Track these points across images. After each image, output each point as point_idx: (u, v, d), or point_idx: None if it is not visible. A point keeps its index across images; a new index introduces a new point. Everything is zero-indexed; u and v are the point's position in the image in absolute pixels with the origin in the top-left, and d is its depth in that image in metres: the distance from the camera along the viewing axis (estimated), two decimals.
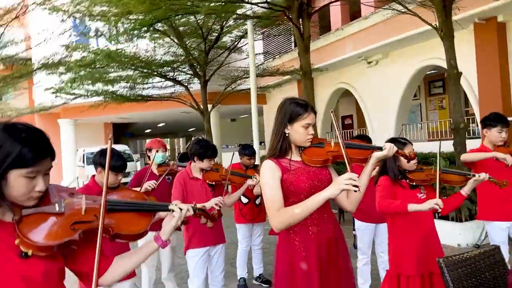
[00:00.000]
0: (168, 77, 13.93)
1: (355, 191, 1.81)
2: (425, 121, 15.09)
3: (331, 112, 2.38)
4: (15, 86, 11.87)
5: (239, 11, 10.51)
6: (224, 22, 12.88)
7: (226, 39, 14.67)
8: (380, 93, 13.39)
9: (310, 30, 9.45)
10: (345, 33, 13.38)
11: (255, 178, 3.58)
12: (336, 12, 14.59)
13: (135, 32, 10.82)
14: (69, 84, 12.14)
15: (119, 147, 16.72)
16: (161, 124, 24.50)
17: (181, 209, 1.54)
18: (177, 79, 14.19)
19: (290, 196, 2.01)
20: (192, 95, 13.88)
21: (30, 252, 1.27)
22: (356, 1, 12.68)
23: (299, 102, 2.10)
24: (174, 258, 4.24)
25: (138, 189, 3.66)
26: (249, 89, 16.66)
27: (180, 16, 10.57)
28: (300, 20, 9.29)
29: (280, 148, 2.07)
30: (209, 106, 14.41)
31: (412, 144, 2.88)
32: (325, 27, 15.44)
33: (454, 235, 5.79)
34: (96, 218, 1.35)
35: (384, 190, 2.76)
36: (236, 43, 14.86)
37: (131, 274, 2.94)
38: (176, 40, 13.22)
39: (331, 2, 11.09)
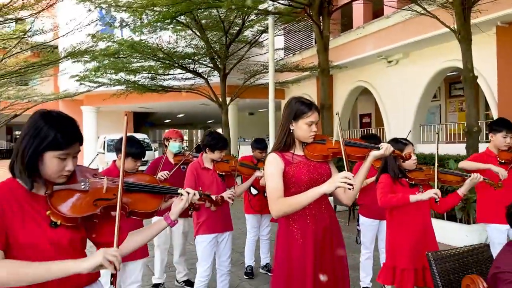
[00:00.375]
0: (188, 69, 14.19)
1: (349, 189, 1.98)
2: (444, 123, 15.00)
3: (336, 114, 2.55)
4: (41, 72, 12.28)
5: (260, 7, 10.65)
6: (246, 17, 13.05)
7: (248, 33, 14.84)
8: (398, 92, 13.37)
9: (330, 28, 9.55)
10: (366, 32, 13.38)
11: (263, 170, 3.76)
12: (358, 10, 14.58)
13: (159, 24, 11.06)
14: (93, 72, 12.52)
15: (139, 136, 17.10)
16: (180, 115, 24.87)
17: (188, 193, 1.75)
18: (197, 71, 14.44)
19: (291, 187, 2.19)
20: (212, 88, 14.12)
21: (58, 222, 1.48)
22: (379, 0, 12.68)
23: (304, 102, 2.27)
24: (185, 244, 4.46)
25: None
26: (268, 83, 16.86)
27: (202, 9, 10.75)
28: (320, 17, 9.39)
29: (285, 143, 2.25)
30: (228, 99, 14.63)
31: (412, 145, 3.02)
32: (347, 25, 15.45)
33: (461, 237, 5.86)
34: (114, 196, 1.56)
35: (385, 187, 2.91)
36: (257, 37, 15.01)
37: (145, 254, 3.17)
38: (198, 33, 13.45)
39: (353, 0, 11.12)
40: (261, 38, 14.95)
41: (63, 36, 10.89)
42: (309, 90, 17.28)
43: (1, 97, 13.61)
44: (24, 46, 10.53)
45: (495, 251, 3.62)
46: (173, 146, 4.31)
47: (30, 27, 9.73)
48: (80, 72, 13.70)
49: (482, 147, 6.55)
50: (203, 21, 13.25)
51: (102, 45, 12.98)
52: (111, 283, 1.51)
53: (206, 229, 3.43)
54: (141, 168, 3.31)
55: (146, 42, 12.65)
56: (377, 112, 17.80)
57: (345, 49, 14.44)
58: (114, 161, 3.14)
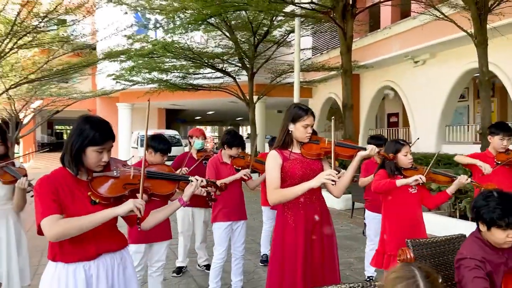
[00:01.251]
0: (218, 68, 14.71)
1: (333, 184, 2.37)
2: (471, 123, 14.88)
3: (332, 118, 2.92)
4: (80, 72, 13.10)
5: (287, 9, 11.00)
6: (274, 18, 13.44)
7: (276, 33, 15.22)
8: (425, 93, 13.41)
9: (353, 30, 9.79)
10: (392, 32, 13.49)
11: None
12: (386, 11, 14.67)
13: (188, 26, 11.60)
14: (128, 71, 13.22)
15: (170, 132, 17.82)
16: (210, 112, 25.54)
17: (197, 180, 2.17)
18: (226, 70, 14.94)
19: (287, 180, 2.58)
20: (240, 86, 14.59)
21: (97, 201, 1.94)
22: (407, 1, 12.75)
23: (301, 107, 2.65)
24: (206, 232, 4.92)
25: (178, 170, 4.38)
26: (288, 83, 17.19)
27: (231, 12, 11.19)
28: (344, 20, 9.65)
29: (284, 141, 2.65)
30: (255, 98, 15.07)
31: (409, 146, 3.34)
32: (375, 25, 15.56)
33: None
34: (139, 181, 2.00)
35: (380, 179, 3.26)
36: (285, 37, 15.36)
37: (168, 237, 3.64)
38: (227, 34, 13.95)
39: (377, 3, 11.29)
40: (289, 38, 15.29)
41: (101, 40, 11.63)
42: (336, 89, 17.47)
43: (44, 94, 14.58)
44: (67, 47, 11.30)
45: None
46: (197, 143, 4.76)
47: (73, 30, 10.48)
48: (116, 71, 14.47)
49: None
50: (232, 22, 13.73)
51: (137, 45, 13.69)
52: (138, 224, 1.94)
53: (222, 217, 3.87)
54: (167, 163, 3.78)
55: (178, 43, 13.23)
56: (404, 111, 17.77)
57: (372, 49, 14.58)
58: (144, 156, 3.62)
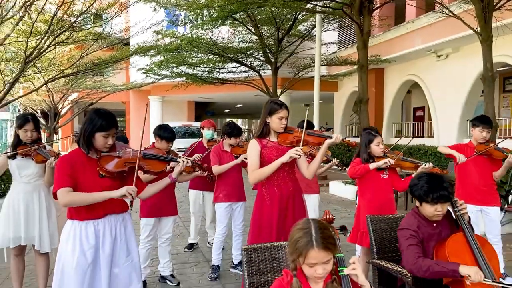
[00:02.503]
0: (243, 62, 15.22)
1: (298, 157, 2.88)
2: (496, 118, 14.75)
3: (307, 105, 3.39)
4: (114, 66, 13.93)
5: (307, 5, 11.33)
6: (297, 13, 13.79)
7: (301, 27, 15.56)
8: (447, 87, 13.46)
9: (369, 26, 10.07)
10: (415, 26, 13.56)
11: None
12: (411, 4, 14.71)
13: (214, 22, 12.14)
14: (157, 66, 13.96)
15: (196, 124, 18.55)
16: (238, 105, 26.14)
17: (183, 161, 2.71)
18: (251, 64, 15.43)
19: (264, 163, 3.07)
20: (264, 80, 15.06)
21: (104, 174, 2.51)
22: None
23: (276, 102, 3.14)
24: (215, 213, 5.47)
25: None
26: (321, 76, 17.48)
27: (254, 8, 11.62)
28: (361, 16, 9.93)
29: (262, 131, 3.14)
30: (279, 91, 15.50)
31: (381, 137, 3.76)
32: (400, 19, 15.62)
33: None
34: (136, 160, 2.55)
35: (355, 165, 3.71)
36: (310, 31, 15.66)
37: (174, 213, 4.21)
38: (252, 29, 14.41)
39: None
40: (313, 32, 15.57)
41: (134, 35, 12.36)
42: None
43: (79, 87, 15.57)
44: (102, 43, 12.11)
45: None
46: (207, 133, 5.32)
47: (106, 26, 11.26)
48: (147, 65, 15.26)
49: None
50: (258, 17, 14.16)
51: (166, 40, 14.38)
52: (130, 206, 2.51)
53: (223, 198, 4.42)
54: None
55: (204, 38, 13.81)
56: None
57: (395, 43, 14.69)
58: (153, 142, 4.20)
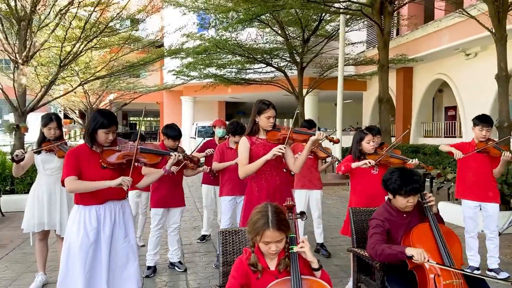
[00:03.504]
0: (269, 63, 15.52)
1: (280, 154, 3.14)
2: None
3: (297, 111, 3.65)
4: (146, 68, 14.58)
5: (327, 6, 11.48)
6: (323, 14, 13.94)
7: (328, 27, 15.68)
8: (476, 86, 13.23)
9: (390, 26, 10.12)
10: (443, 25, 13.41)
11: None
12: (440, 3, 14.53)
13: (239, 24, 12.52)
14: (186, 67, 14.50)
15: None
16: None
17: (175, 155, 3.05)
18: (278, 65, 15.70)
19: (253, 158, 3.35)
20: (290, 80, 15.30)
21: (105, 166, 2.88)
22: None
23: (265, 102, 3.41)
24: None
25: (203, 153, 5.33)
26: (349, 76, 17.53)
27: (277, 10, 11.90)
28: (381, 16, 10.00)
29: (252, 129, 3.43)
30: (305, 91, 15.69)
31: (372, 135, 3.96)
32: (430, 17, 15.45)
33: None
34: (134, 154, 2.91)
35: (344, 162, 3.93)
36: (336, 31, 15.75)
37: (182, 204, 4.56)
38: (277, 30, 14.68)
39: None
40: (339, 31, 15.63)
41: (165, 37, 12.94)
42: (389, 82, 17.52)
43: (114, 89, 16.36)
44: (136, 45, 12.78)
45: (466, 224, 4.44)
46: (218, 131, 5.67)
47: (135, 31, 11.88)
48: (177, 67, 15.85)
49: None
50: (286, 19, 14.41)
51: (195, 43, 14.90)
52: (126, 194, 2.87)
53: (227, 192, 4.74)
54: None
55: (230, 40, 14.21)
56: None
57: (423, 42, 14.56)
58: (163, 140, 4.57)
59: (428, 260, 2.50)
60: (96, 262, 2.83)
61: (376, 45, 17.37)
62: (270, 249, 2.08)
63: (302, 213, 2.47)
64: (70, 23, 8.39)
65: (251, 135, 3.44)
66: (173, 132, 4.32)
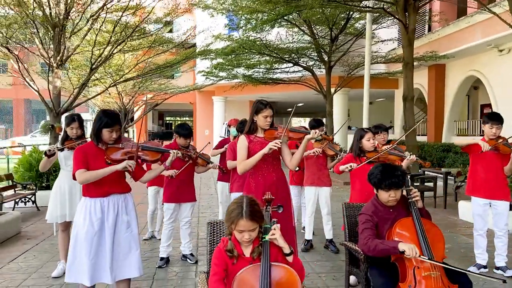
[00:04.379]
0: (297, 63, 15.58)
1: (276, 149, 3.29)
2: None
3: (294, 107, 3.78)
4: (176, 69, 15.03)
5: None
6: (351, 13, 13.88)
7: (357, 25, 15.57)
8: (510, 82, 12.79)
9: (415, 23, 9.97)
10: (475, 20, 13.02)
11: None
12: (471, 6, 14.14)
13: (264, 25, 12.68)
14: (215, 68, 14.83)
15: None
16: (300, 104, 26.43)
17: (174, 152, 3.27)
18: (306, 64, 15.74)
19: (251, 156, 3.53)
20: (318, 79, 15.30)
21: (109, 162, 3.14)
22: None
23: (262, 102, 3.57)
24: None
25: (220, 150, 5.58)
26: (379, 74, 17.32)
27: (301, 10, 11.96)
28: (406, 13, 9.88)
29: (250, 128, 3.60)
30: (333, 90, 15.65)
31: (372, 133, 4.04)
32: (463, 13, 15.04)
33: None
34: (135, 151, 3.15)
35: (343, 161, 4.04)
36: (365, 29, 15.60)
37: (193, 199, 4.79)
38: (305, 30, 14.73)
39: None
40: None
41: (189, 38, 13.31)
42: (421, 80, 17.22)
43: (146, 89, 16.96)
44: (167, 46, 13.24)
45: (474, 222, 4.44)
46: (233, 131, 5.86)
47: (171, 31, 12.31)
48: (207, 68, 16.23)
49: None
50: (313, 18, 14.44)
51: (222, 44, 15.20)
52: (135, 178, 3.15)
53: (237, 188, 4.92)
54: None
55: (257, 40, 14.39)
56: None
57: (455, 38, 14.19)
58: (175, 139, 4.81)
59: (419, 256, 2.59)
60: (100, 250, 3.09)
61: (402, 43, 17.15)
62: (243, 237, 2.25)
63: (280, 207, 2.62)
64: (99, 28, 8.84)
65: (249, 134, 3.61)
66: (184, 130, 4.57)
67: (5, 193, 7.99)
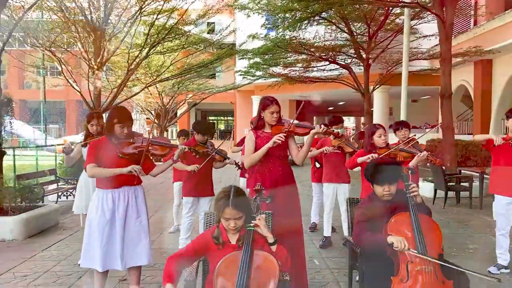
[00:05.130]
0: (335, 61, 15.43)
1: (280, 142, 3.36)
2: None
3: (302, 103, 3.84)
4: (211, 69, 15.36)
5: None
6: (391, 8, 13.57)
7: (398, 20, 15.19)
8: None
9: (453, 18, 9.63)
10: None
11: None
12: None
13: (300, 23, 12.67)
14: (251, 67, 15.00)
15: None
16: (341, 103, 26.10)
17: (181, 147, 3.42)
18: (344, 62, 15.56)
19: (257, 150, 3.63)
20: (356, 77, 15.07)
21: (121, 155, 3.33)
22: None
23: (269, 98, 3.64)
24: None
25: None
26: (422, 70, 16.79)
27: (335, 8, 11.86)
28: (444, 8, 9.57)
29: (258, 124, 3.69)
30: (371, 88, 15.36)
31: (384, 129, 4.00)
32: (510, 4, 14.30)
33: None
34: (146, 145, 3.33)
35: (355, 156, 4.03)
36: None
37: (211, 193, 4.93)
38: (344, 28, 14.56)
39: None
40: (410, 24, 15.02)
41: (226, 35, 13.55)
42: (467, 76, 16.56)
43: (186, 89, 17.42)
44: (205, 46, 13.58)
45: (497, 221, 4.30)
46: None
47: (212, 30, 12.62)
48: (244, 67, 16.43)
49: None
50: (351, 15, 14.25)
51: (260, 43, 15.33)
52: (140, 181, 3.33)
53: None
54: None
55: (294, 38, 14.40)
56: None
57: (501, 32, 13.53)
58: (193, 135, 4.98)
59: (408, 249, 2.59)
60: (112, 238, 3.29)
61: (452, 37, 16.50)
62: (229, 225, 2.36)
63: (270, 197, 2.71)
64: (135, 30, 9.24)
65: (256, 129, 3.71)
66: (202, 127, 4.73)
67: (49, 187, 8.56)
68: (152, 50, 10.07)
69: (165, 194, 9.52)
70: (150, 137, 3.39)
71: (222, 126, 42.26)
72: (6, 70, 25.52)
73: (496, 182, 4.34)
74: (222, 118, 42.35)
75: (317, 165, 6.00)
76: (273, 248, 2.38)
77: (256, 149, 3.62)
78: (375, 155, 3.80)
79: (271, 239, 2.38)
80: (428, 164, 4.93)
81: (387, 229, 2.79)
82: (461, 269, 2.58)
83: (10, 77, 27.73)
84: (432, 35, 16.21)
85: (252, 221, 2.41)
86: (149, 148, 3.37)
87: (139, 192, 3.46)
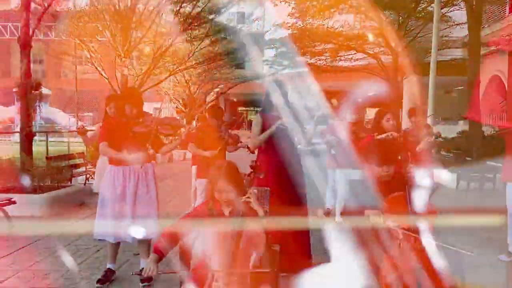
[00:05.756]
0: (363, 50, 15.23)
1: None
2: None
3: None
4: (236, 58, 15.48)
5: None
6: None
7: (430, 8, 14.79)
8: None
9: (482, 3, 9.34)
10: None
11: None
12: None
13: (326, 12, 12.60)
14: (275, 58, 15.07)
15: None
16: (371, 93, 25.68)
17: (188, 127, 3.57)
18: (373, 51, 15.33)
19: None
20: (385, 67, 14.82)
21: (132, 134, 3.51)
22: None
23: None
24: None
25: None
26: (454, 59, 16.32)
27: None
28: None
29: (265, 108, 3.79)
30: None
31: (392, 114, 4.01)
32: None
33: None
34: (154, 124, 3.50)
35: (366, 140, 4.07)
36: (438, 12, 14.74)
37: None
38: (372, 17, 14.33)
39: None
40: (443, 11, 14.58)
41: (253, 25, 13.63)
42: (501, 66, 15.97)
43: (212, 79, 17.61)
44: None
45: (509, 209, 4.26)
46: None
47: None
48: (271, 57, 16.50)
49: None
50: (381, 3, 13.99)
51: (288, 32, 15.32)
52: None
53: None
54: None
55: (322, 26, 14.31)
56: None
57: None
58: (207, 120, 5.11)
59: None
60: (122, 212, 3.48)
61: (485, 26, 15.90)
62: (221, 197, 2.48)
63: (261, 173, 2.82)
64: (161, 17, 9.47)
65: (264, 113, 3.82)
66: (215, 112, 4.87)
67: (78, 170, 8.96)
68: (177, 38, 10.28)
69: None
70: (160, 116, 3.55)
71: (253, 117, 42.12)
72: (44, 59, 26.54)
73: (508, 171, 4.25)
74: (251, 108, 42.31)
75: (332, 151, 6.03)
76: (263, 221, 2.48)
77: (262, 131, 3.74)
78: (394, 133, 3.83)
79: (261, 213, 2.48)
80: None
81: (385, 205, 2.86)
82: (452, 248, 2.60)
83: (47, 66, 28.80)
84: (465, 23, 15.70)
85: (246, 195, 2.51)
86: (158, 127, 3.53)
87: (149, 169, 3.63)
